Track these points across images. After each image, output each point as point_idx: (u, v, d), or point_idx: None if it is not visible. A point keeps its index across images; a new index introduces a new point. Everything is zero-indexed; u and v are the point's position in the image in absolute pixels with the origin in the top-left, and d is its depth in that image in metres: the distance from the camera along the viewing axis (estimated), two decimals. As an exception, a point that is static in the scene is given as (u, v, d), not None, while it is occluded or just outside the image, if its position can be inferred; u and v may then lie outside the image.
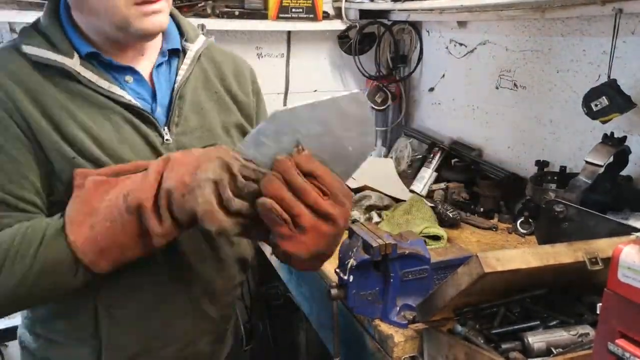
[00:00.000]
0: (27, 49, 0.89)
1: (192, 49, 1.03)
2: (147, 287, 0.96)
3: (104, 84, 0.91)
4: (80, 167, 0.86)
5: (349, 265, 1.11)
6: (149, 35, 0.93)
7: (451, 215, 1.64)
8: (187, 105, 1.00)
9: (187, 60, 1.02)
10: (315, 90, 2.53)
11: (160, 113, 0.98)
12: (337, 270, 1.16)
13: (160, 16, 0.91)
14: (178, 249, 0.96)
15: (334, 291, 1.13)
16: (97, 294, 0.92)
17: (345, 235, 1.05)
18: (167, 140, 0.96)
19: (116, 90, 0.92)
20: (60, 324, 0.97)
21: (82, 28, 0.93)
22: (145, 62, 0.99)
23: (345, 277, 1.12)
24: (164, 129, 0.96)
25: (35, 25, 0.94)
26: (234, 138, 1.08)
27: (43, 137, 0.86)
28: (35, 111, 0.86)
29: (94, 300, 0.92)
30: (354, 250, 1.13)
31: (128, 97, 0.93)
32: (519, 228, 1.62)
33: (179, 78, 1.00)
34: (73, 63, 0.90)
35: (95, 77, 0.91)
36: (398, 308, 1.14)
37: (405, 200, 1.78)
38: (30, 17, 1.84)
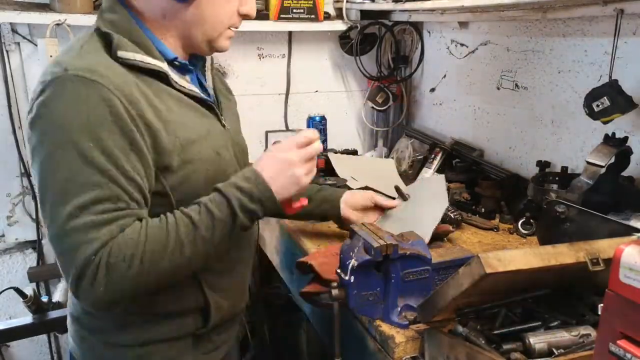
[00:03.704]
0: (124, 54, 0.96)
1: None
2: (237, 271, 1.17)
3: (184, 83, 1.05)
4: (189, 159, 1.00)
5: (350, 266, 1.11)
6: (219, 52, 1.11)
7: (452, 216, 1.64)
8: (222, 100, 1.19)
9: (208, 60, 1.20)
10: (317, 91, 2.54)
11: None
12: (338, 270, 1.16)
13: (231, 41, 1.10)
14: (246, 233, 1.07)
15: (335, 292, 1.13)
16: (199, 271, 1.05)
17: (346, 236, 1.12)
18: (227, 127, 1.14)
19: (193, 88, 1.07)
20: (166, 303, 1.06)
21: (159, 35, 1.04)
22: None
23: (347, 278, 1.12)
24: (222, 118, 1.14)
25: (119, 28, 0.99)
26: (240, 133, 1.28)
27: (157, 135, 0.96)
28: (149, 110, 0.96)
29: (197, 276, 1.06)
30: (355, 250, 1.13)
31: (199, 93, 1.08)
32: (520, 228, 1.62)
33: (207, 73, 1.18)
34: (165, 66, 1.01)
35: (177, 78, 1.04)
36: (399, 308, 1.14)
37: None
38: (31, 18, 1.85)
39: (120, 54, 0.95)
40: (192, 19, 1.02)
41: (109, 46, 0.96)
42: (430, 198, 1.54)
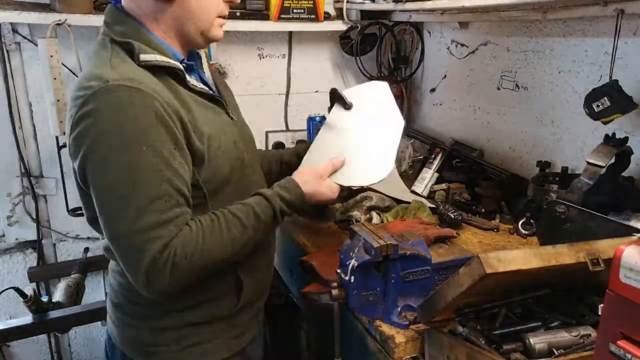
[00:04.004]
0: (146, 57, 1.02)
1: None
2: (265, 254, 1.28)
3: (195, 82, 1.11)
4: (214, 152, 1.08)
5: (350, 266, 1.11)
6: (214, 42, 1.17)
7: (453, 216, 1.64)
8: (224, 93, 1.24)
9: (203, 55, 1.25)
10: (317, 91, 2.54)
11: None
12: (338, 270, 1.16)
13: (223, 29, 1.15)
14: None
15: (335, 292, 1.13)
16: (237, 263, 1.15)
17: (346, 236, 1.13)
18: (234, 119, 1.21)
19: (202, 86, 1.13)
20: (204, 289, 1.14)
21: (163, 38, 1.09)
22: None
23: (347, 278, 1.12)
24: (229, 110, 1.20)
25: (133, 37, 1.04)
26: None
27: (190, 133, 1.03)
28: (182, 109, 1.02)
29: (235, 266, 1.16)
30: (355, 250, 1.13)
31: (209, 90, 1.15)
32: (521, 229, 1.62)
33: (205, 67, 1.23)
34: (180, 65, 1.07)
35: (188, 77, 1.10)
36: (399, 309, 1.14)
37: (406, 202, 1.77)
38: (31, 18, 1.85)
39: (143, 57, 1.01)
40: (181, 15, 1.07)
41: (131, 53, 1.02)
42: (379, 114, 1.35)
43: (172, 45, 1.10)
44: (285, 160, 1.46)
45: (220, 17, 1.12)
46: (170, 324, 1.15)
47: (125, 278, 1.07)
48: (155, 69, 1.03)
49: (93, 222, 1.07)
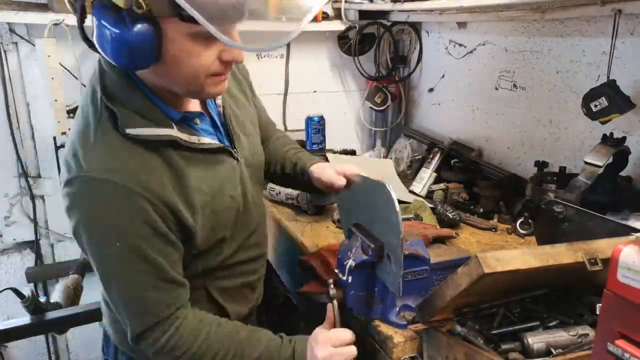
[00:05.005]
0: (132, 132, 0.94)
1: None
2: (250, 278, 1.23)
3: (194, 139, 1.02)
4: (208, 217, 1.04)
5: (348, 266, 1.11)
6: (213, 98, 1.09)
7: (451, 216, 1.64)
8: (234, 123, 1.13)
9: None
10: (315, 91, 2.54)
11: (226, 139, 1.12)
12: (336, 270, 1.16)
13: (226, 82, 1.00)
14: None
15: (332, 291, 1.13)
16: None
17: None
18: (239, 159, 1.12)
19: (203, 140, 1.04)
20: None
21: (161, 95, 0.99)
22: (196, 100, 1.09)
23: (344, 278, 1.12)
24: (235, 152, 1.11)
25: (120, 98, 0.96)
26: (255, 126, 1.26)
27: (177, 212, 0.98)
28: (168, 188, 0.97)
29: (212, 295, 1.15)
30: (353, 250, 1.13)
31: (211, 141, 1.06)
32: (519, 228, 1.62)
33: (218, 102, 1.12)
34: (175, 132, 0.99)
35: (187, 136, 1.01)
36: (397, 308, 1.14)
37: (405, 202, 1.78)
38: (29, 18, 1.85)
39: (129, 131, 0.94)
40: (166, 80, 0.95)
41: (116, 122, 0.95)
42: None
43: (166, 101, 1.00)
44: (288, 171, 1.37)
45: (214, 75, 0.95)
46: None
47: None
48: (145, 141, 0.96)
49: None
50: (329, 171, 1.26)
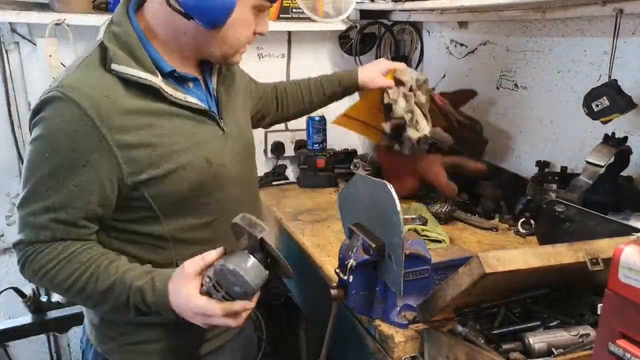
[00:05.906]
0: (117, 67, 1.00)
1: None
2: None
3: (180, 95, 1.07)
4: (168, 170, 1.04)
5: (349, 266, 1.11)
6: (231, 65, 1.19)
7: (444, 210, 1.65)
8: (224, 100, 1.20)
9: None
10: (316, 91, 2.53)
11: (215, 109, 1.17)
12: (337, 270, 1.16)
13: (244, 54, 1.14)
14: None
15: (333, 291, 1.13)
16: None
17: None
18: (227, 131, 1.16)
19: (189, 98, 1.08)
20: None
21: (161, 49, 1.07)
22: (197, 68, 1.17)
23: (345, 278, 1.12)
24: (221, 122, 1.16)
25: (119, 41, 1.03)
26: (248, 122, 1.34)
27: (130, 150, 1.00)
28: (129, 126, 1.00)
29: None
30: (354, 250, 1.13)
31: (197, 102, 1.10)
32: (520, 228, 1.62)
33: (213, 77, 1.20)
34: (159, 80, 1.03)
35: (172, 90, 1.05)
36: (398, 308, 1.14)
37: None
38: (30, 17, 1.85)
39: (114, 66, 1.00)
40: (213, 40, 1.06)
41: (106, 59, 1.01)
42: None
43: (165, 57, 1.07)
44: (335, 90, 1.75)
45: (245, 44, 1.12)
46: (115, 318, 1.15)
47: None
48: (128, 80, 1.01)
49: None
50: (377, 80, 1.65)
